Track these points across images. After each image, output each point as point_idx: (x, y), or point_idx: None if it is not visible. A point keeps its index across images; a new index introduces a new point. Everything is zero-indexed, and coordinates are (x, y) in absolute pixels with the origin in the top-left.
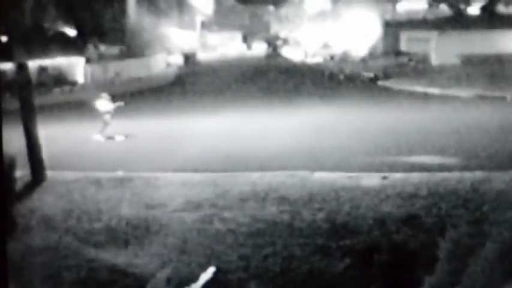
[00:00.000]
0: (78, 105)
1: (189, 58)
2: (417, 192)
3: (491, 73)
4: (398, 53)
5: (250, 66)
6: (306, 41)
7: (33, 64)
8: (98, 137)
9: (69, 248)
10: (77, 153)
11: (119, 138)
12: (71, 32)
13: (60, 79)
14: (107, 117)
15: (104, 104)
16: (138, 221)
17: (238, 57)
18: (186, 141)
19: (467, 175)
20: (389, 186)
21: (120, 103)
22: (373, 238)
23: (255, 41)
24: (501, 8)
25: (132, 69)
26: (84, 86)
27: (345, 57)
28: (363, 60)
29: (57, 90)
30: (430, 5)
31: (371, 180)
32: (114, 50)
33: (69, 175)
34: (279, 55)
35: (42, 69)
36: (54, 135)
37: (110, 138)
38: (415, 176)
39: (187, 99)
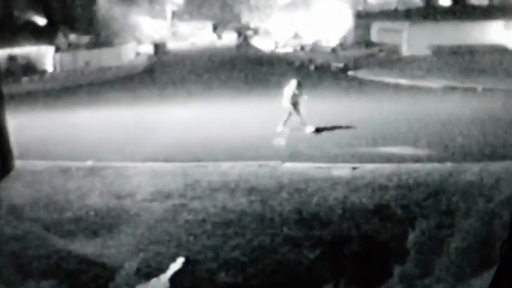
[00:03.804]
0: (49, 94)
1: (159, 47)
2: (387, 183)
3: (462, 64)
4: (369, 44)
5: (220, 56)
6: (276, 31)
7: (2, 53)
8: (283, 129)
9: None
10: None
11: (309, 130)
12: (41, 20)
13: (30, 68)
14: (295, 105)
15: (291, 91)
16: (107, 211)
17: (209, 47)
18: (155, 131)
19: (438, 166)
20: (360, 177)
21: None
22: (343, 229)
23: (226, 31)
24: None
25: (101, 58)
26: (53, 75)
27: (315, 48)
28: (334, 50)
29: (26, 79)
30: None
31: (341, 170)
32: (84, 39)
33: (38, 164)
34: (249, 45)
35: (11, 58)
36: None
37: (295, 129)
38: (386, 167)
39: (157, 89)
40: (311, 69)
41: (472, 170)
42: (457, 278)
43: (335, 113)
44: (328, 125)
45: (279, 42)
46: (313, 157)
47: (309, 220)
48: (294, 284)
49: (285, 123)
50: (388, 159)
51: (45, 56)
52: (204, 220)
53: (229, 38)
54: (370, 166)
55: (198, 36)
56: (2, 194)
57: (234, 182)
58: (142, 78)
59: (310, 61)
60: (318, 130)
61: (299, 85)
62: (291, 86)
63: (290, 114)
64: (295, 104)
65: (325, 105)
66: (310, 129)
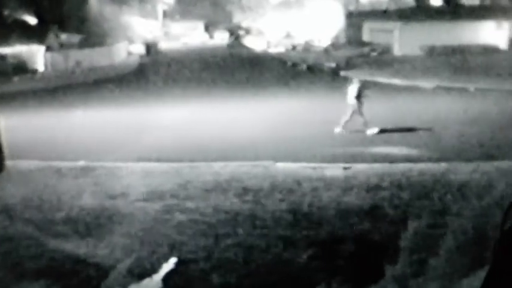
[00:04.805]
0: (41, 94)
1: (150, 47)
2: (380, 183)
3: (454, 64)
4: (361, 44)
5: (212, 56)
6: (268, 31)
7: None
8: (340, 130)
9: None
10: None
11: (371, 131)
12: (32, 20)
13: (21, 67)
14: (358, 106)
15: (355, 90)
16: (100, 211)
17: (201, 47)
18: (147, 131)
19: (430, 166)
20: (353, 177)
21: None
22: (336, 229)
23: (218, 31)
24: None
25: (93, 58)
26: (44, 75)
27: (307, 47)
28: (326, 50)
29: (17, 78)
30: None
31: (334, 170)
32: (75, 38)
33: (30, 164)
34: (241, 45)
35: (2, 58)
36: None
37: (358, 131)
38: (378, 167)
39: (148, 89)
40: (303, 69)
41: (464, 170)
42: (450, 277)
43: (327, 112)
44: (313, 125)
45: (271, 41)
46: (306, 157)
47: (302, 220)
48: (287, 284)
49: (346, 123)
50: (381, 159)
51: (36, 55)
52: (196, 220)
53: (221, 38)
54: (362, 166)
55: (189, 36)
56: None
57: (227, 182)
58: (134, 78)
59: (302, 61)
60: (382, 131)
61: (363, 86)
62: (354, 85)
63: (353, 113)
64: (359, 104)
65: (318, 105)
66: (372, 130)
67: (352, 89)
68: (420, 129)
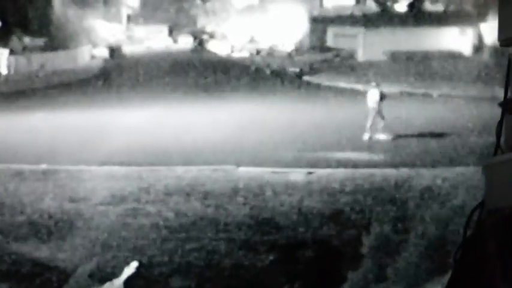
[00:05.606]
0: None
1: (114, 51)
2: (342, 188)
3: (418, 70)
4: (325, 49)
5: (175, 60)
6: (232, 35)
7: None
8: (367, 136)
9: None
10: None
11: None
12: None
13: None
14: (378, 110)
15: (375, 94)
16: (61, 215)
17: (164, 51)
18: (110, 134)
19: (393, 171)
20: (315, 182)
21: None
22: (298, 233)
23: (182, 35)
24: (428, 6)
25: (56, 61)
26: (8, 78)
27: (271, 52)
28: (290, 55)
29: None
30: (358, 2)
31: (296, 175)
32: (39, 42)
33: None
34: (205, 49)
35: None
36: None
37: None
38: (341, 172)
39: (112, 93)
40: (267, 74)
41: (426, 176)
42: (412, 283)
43: (290, 117)
44: (276, 130)
45: (235, 46)
46: (269, 161)
47: (264, 225)
48: None
49: (370, 127)
50: (344, 164)
51: (0, 58)
52: (158, 224)
53: (185, 42)
54: (325, 171)
55: (153, 40)
56: None
57: (189, 186)
58: (97, 82)
59: (266, 65)
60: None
61: (382, 96)
62: (373, 91)
63: (375, 117)
64: (380, 108)
65: (281, 110)
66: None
67: (372, 94)
68: (384, 134)
